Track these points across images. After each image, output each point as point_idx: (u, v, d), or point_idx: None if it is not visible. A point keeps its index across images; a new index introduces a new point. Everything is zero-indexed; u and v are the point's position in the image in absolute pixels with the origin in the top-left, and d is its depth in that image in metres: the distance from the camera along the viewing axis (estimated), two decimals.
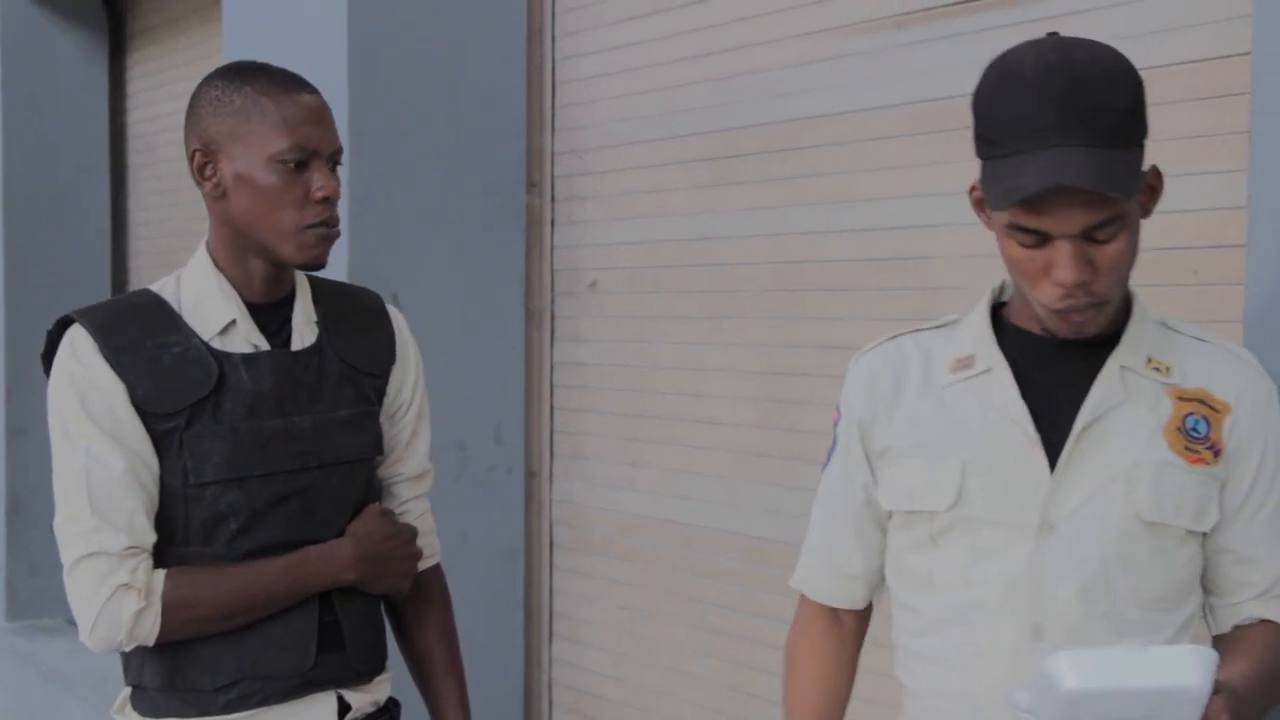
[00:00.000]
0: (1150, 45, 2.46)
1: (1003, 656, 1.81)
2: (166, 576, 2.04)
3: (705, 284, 3.62)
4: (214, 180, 2.09)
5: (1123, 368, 1.82)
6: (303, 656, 2.13)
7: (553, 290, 4.13)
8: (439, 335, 3.62)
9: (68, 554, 2.04)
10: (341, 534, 2.18)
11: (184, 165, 2.17)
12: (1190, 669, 1.55)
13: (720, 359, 3.58)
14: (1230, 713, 1.59)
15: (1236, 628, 1.88)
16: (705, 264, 3.61)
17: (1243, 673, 1.72)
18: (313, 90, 2.11)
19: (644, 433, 3.83)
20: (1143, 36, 2.51)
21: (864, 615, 2.09)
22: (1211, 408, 1.83)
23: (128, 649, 2.09)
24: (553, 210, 4.12)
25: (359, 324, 2.27)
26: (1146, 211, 1.78)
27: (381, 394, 2.28)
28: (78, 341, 2.05)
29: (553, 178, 4.12)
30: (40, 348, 2.12)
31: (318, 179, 2.07)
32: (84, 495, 2.02)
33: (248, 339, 2.12)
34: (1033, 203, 1.67)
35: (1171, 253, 2.51)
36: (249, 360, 2.11)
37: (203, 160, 2.09)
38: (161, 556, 2.06)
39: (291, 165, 2.04)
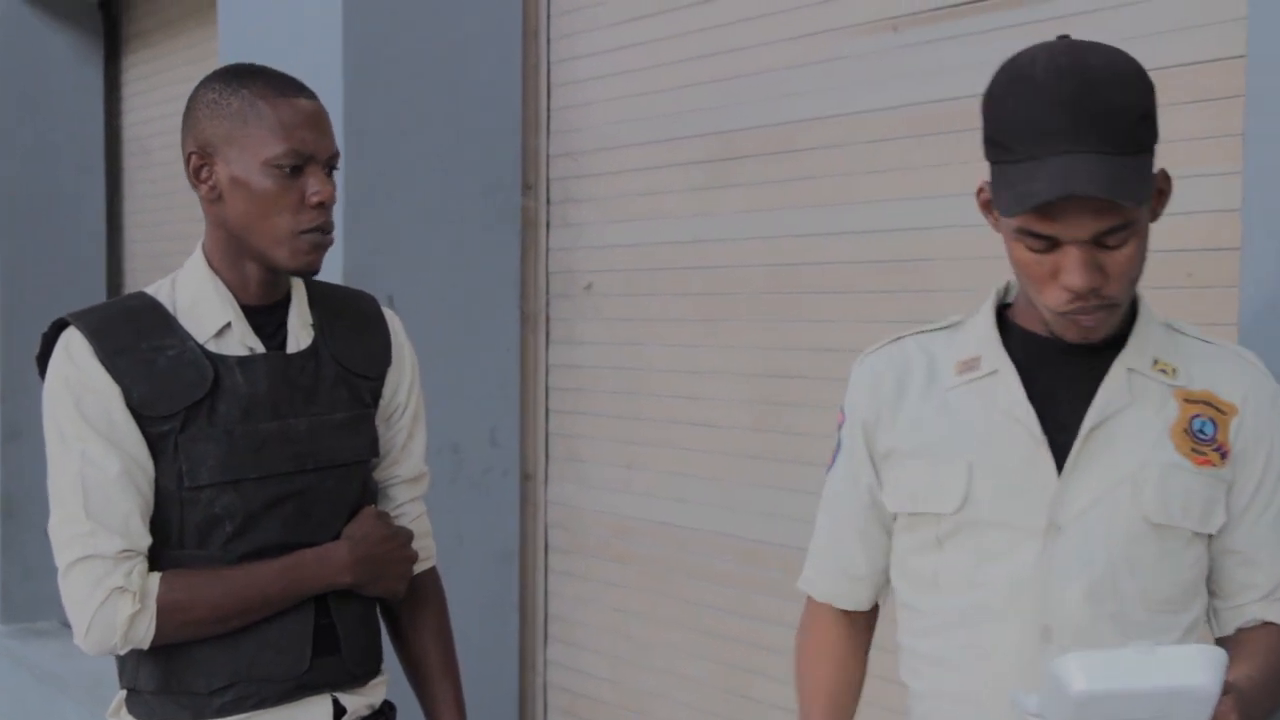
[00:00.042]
0: (1144, 48, 2.45)
1: (1009, 658, 1.81)
2: (162, 579, 2.04)
3: (701, 287, 3.62)
4: (210, 183, 2.09)
5: (1129, 370, 1.82)
6: (298, 659, 2.13)
7: (548, 293, 4.13)
8: (434, 337, 3.62)
9: (62, 557, 2.04)
10: (337, 537, 2.18)
11: (179, 168, 2.17)
12: (1200, 669, 1.54)
13: (716, 362, 3.58)
14: (1239, 713, 1.59)
15: (1240, 630, 1.87)
16: (701, 266, 3.61)
17: (1248, 674, 1.71)
18: (310, 95, 2.11)
19: (639, 435, 3.83)
20: (1136, 39, 2.51)
21: (871, 615, 2.09)
22: (1218, 409, 1.82)
23: (122, 652, 2.08)
24: (548, 213, 4.12)
25: (355, 326, 2.27)
26: (1155, 215, 1.77)
27: (377, 396, 2.28)
28: (73, 344, 2.05)
29: (548, 180, 4.12)
30: (35, 350, 2.11)
31: (313, 184, 2.06)
32: (79, 498, 2.02)
33: (243, 342, 2.12)
34: (1044, 209, 1.66)
35: (1166, 255, 2.51)
36: (244, 363, 2.11)
37: (199, 163, 2.09)
38: (157, 559, 2.06)
39: (287, 170, 2.04)
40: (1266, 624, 1.87)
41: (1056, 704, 1.55)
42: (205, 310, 2.11)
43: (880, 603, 2.08)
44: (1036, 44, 1.76)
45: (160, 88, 6.34)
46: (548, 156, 4.12)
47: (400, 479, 2.34)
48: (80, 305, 2.17)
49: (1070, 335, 1.79)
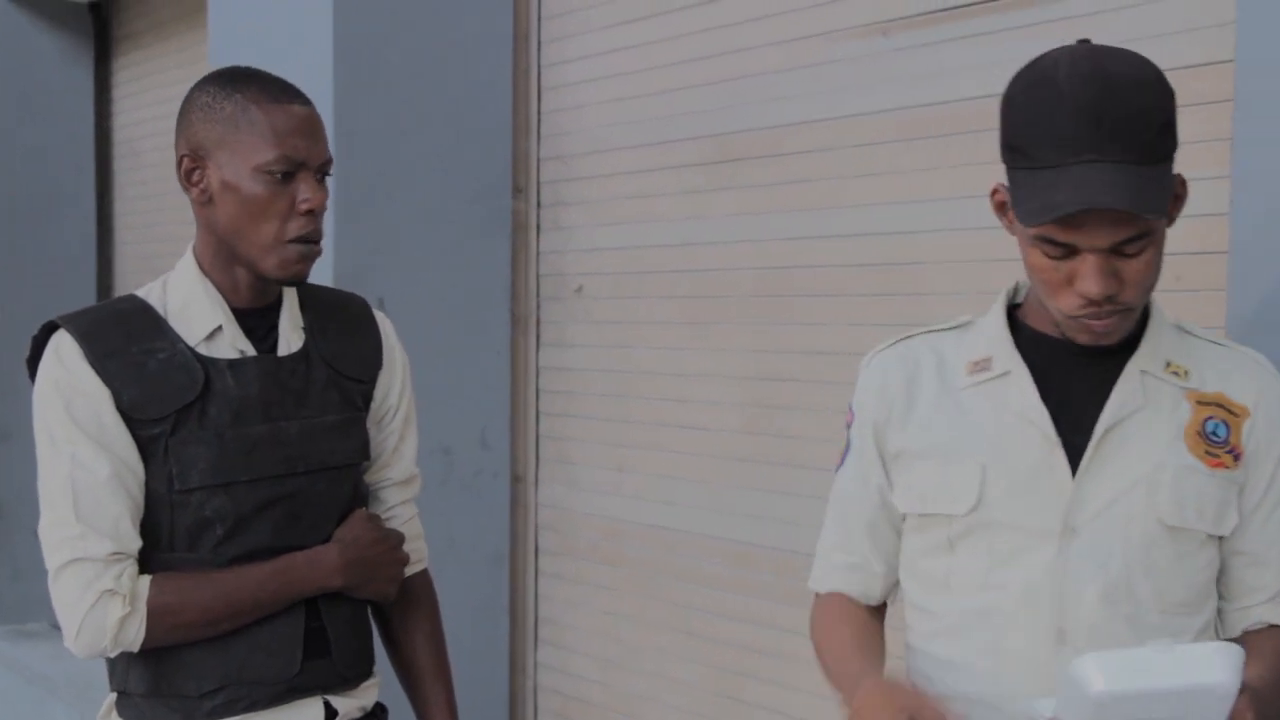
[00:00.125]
0: None
1: (1022, 661, 1.80)
2: (152, 582, 2.04)
3: (691, 289, 3.62)
4: (201, 186, 2.08)
5: (1142, 372, 1.82)
6: (289, 662, 2.13)
7: (538, 295, 4.14)
8: (425, 340, 3.62)
9: (52, 560, 2.04)
10: (328, 539, 2.18)
11: (170, 170, 2.16)
12: (1218, 666, 1.53)
13: (706, 364, 3.58)
14: (1255, 711, 1.59)
15: (1246, 633, 1.87)
16: (691, 269, 3.62)
17: (1260, 674, 1.71)
18: (304, 100, 2.10)
19: (629, 438, 3.83)
20: (1125, 44, 2.51)
21: (880, 610, 2.05)
22: (1230, 412, 1.82)
23: (113, 655, 2.08)
24: (539, 216, 4.13)
25: (346, 329, 2.27)
26: (1171, 220, 1.76)
27: (368, 399, 2.28)
28: (63, 347, 2.05)
29: (539, 183, 4.12)
30: (25, 353, 2.11)
31: (304, 190, 2.06)
32: (69, 501, 2.01)
33: (234, 344, 2.12)
34: (1064, 218, 1.65)
35: None
36: (235, 366, 2.10)
37: (190, 166, 2.08)
38: (147, 562, 2.06)
39: (278, 176, 2.04)
40: (1272, 627, 1.87)
41: (1075, 705, 1.54)
42: (196, 313, 2.11)
43: (889, 604, 2.05)
44: (1057, 48, 1.75)
45: (150, 90, 6.34)
46: (538, 160, 4.12)
47: (391, 481, 2.34)
48: (70, 308, 2.16)
49: (1082, 339, 1.79)
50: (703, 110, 3.56)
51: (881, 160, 3.10)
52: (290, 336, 2.18)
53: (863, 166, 3.15)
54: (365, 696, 2.26)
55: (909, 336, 1.98)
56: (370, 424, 2.28)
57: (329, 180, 2.13)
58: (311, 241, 2.08)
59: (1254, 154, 2.19)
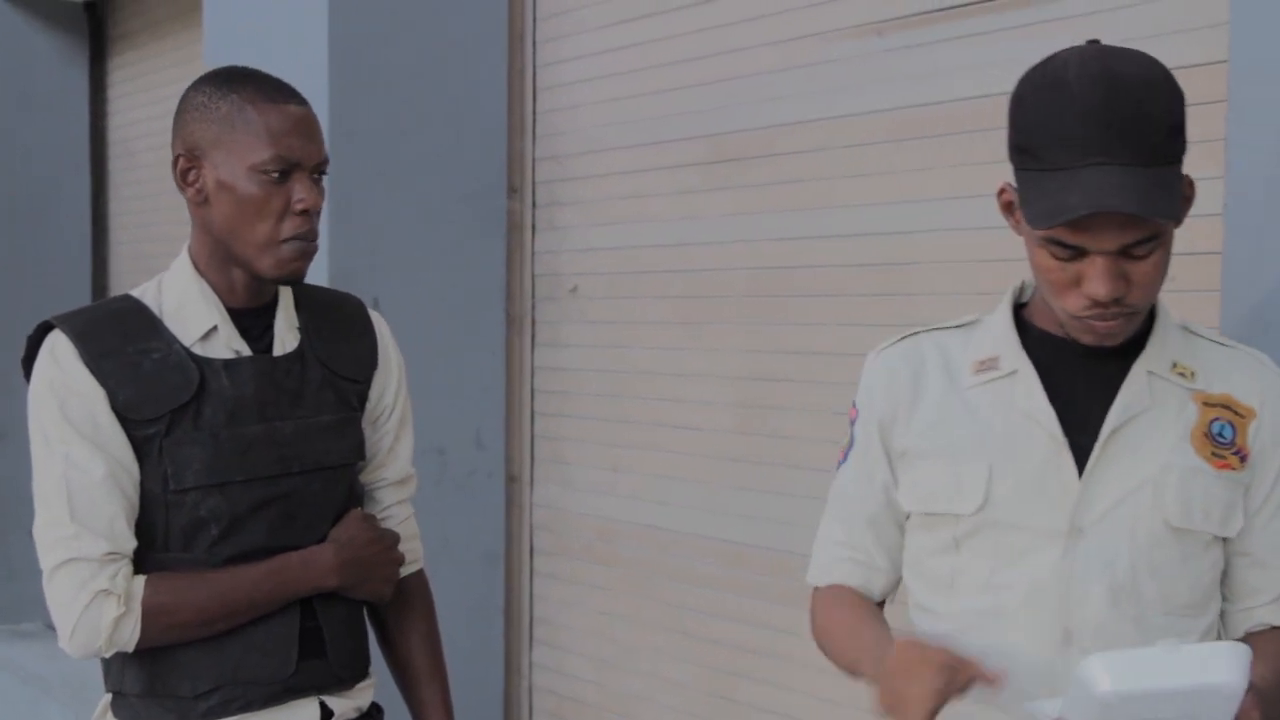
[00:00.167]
0: None
1: (1027, 661, 1.79)
2: (147, 582, 2.04)
3: (685, 289, 3.63)
4: (196, 186, 2.08)
5: (1149, 373, 1.82)
6: (284, 662, 2.13)
7: (533, 295, 4.14)
8: (420, 340, 3.61)
9: (47, 560, 2.04)
10: (323, 540, 2.18)
11: (165, 170, 2.16)
12: (1225, 666, 1.53)
13: (700, 364, 3.59)
14: (1261, 711, 1.58)
15: (1248, 634, 1.87)
16: (686, 269, 3.62)
17: (1263, 675, 1.70)
18: (300, 100, 2.10)
19: (624, 438, 3.83)
20: (1120, 44, 2.52)
21: (879, 606, 2.03)
22: (1237, 413, 1.82)
23: (107, 655, 2.08)
24: (534, 216, 4.13)
25: (341, 329, 2.27)
26: (1179, 221, 1.75)
27: (364, 399, 2.28)
28: (58, 347, 2.05)
29: (534, 183, 4.12)
30: (20, 353, 2.11)
31: (299, 190, 2.06)
32: (63, 501, 2.01)
33: (229, 344, 2.12)
34: (1073, 220, 1.65)
35: None
36: (230, 366, 2.10)
37: (186, 166, 2.08)
38: (142, 562, 2.06)
39: (274, 175, 2.04)
40: (1275, 628, 1.87)
41: (1081, 706, 1.54)
42: (191, 313, 2.11)
43: (888, 602, 2.04)
44: (1067, 48, 1.75)
45: (146, 90, 6.34)
46: (533, 160, 4.12)
47: (387, 481, 2.34)
48: (65, 307, 2.17)
49: (1086, 339, 1.78)
50: (697, 110, 3.56)
51: (876, 160, 3.10)
52: (285, 336, 2.18)
53: (857, 167, 3.15)
54: (361, 697, 2.26)
55: (915, 333, 1.97)
56: (365, 424, 2.28)
57: (325, 180, 2.13)
58: (307, 241, 2.08)
59: (1247, 155, 2.19)
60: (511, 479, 4.19)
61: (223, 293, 2.13)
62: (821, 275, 3.24)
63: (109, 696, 2.17)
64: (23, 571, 5.96)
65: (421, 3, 3.97)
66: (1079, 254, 1.69)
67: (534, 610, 4.18)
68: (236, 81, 2.08)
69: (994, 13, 2.84)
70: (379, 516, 2.30)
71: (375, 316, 2.35)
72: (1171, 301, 2.48)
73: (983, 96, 2.84)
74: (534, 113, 4.11)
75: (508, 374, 4.17)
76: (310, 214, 2.07)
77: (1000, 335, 1.89)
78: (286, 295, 2.21)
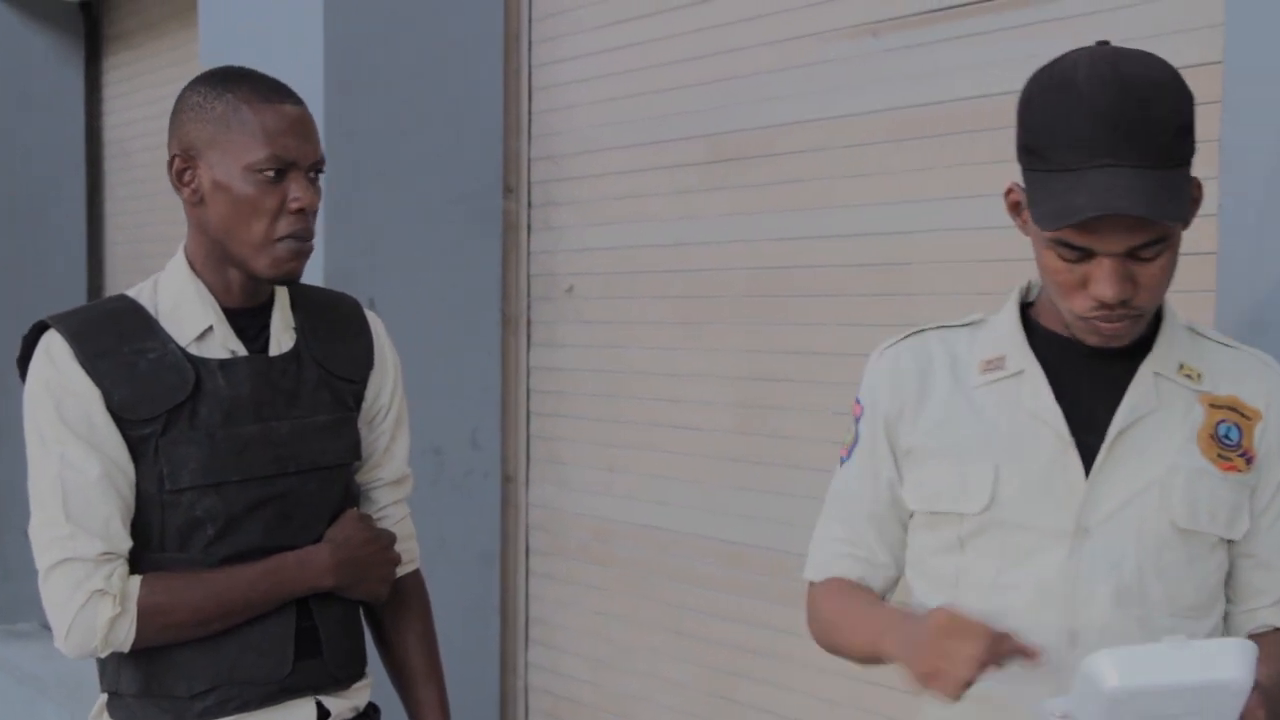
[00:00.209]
0: None
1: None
2: (142, 582, 2.04)
3: (682, 289, 3.63)
4: (192, 186, 2.08)
5: (1156, 374, 1.82)
6: (280, 662, 2.13)
7: (529, 295, 4.14)
8: (416, 340, 3.62)
9: (42, 560, 2.03)
10: (319, 539, 2.18)
11: (161, 169, 2.16)
12: (1233, 662, 1.52)
13: (698, 364, 3.59)
14: (1266, 710, 1.58)
15: (1251, 636, 1.85)
16: (683, 269, 3.62)
17: (1268, 675, 1.69)
18: (296, 100, 2.10)
19: (620, 438, 3.83)
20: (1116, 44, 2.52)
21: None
22: (1243, 415, 1.82)
23: (103, 655, 2.07)
24: (529, 216, 4.13)
25: (337, 329, 2.27)
26: (1187, 223, 1.75)
27: (360, 399, 2.28)
28: (53, 347, 2.04)
29: (529, 183, 4.12)
30: (16, 353, 2.11)
31: (295, 190, 2.06)
32: (59, 501, 2.01)
33: (225, 344, 2.12)
34: (1081, 222, 1.65)
35: None
36: (226, 366, 2.10)
37: (182, 166, 2.08)
38: (138, 562, 2.06)
39: (270, 175, 2.04)
40: (1278, 630, 1.87)
41: (1089, 703, 1.53)
42: (187, 313, 2.11)
43: (887, 599, 2.02)
44: (1076, 49, 1.74)
45: (141, 89, 6.33)
46: (529, 160, 4.12)
47: (383, 482, 2.34)
48: (61, 307, 2.16)
49: (1091, 340, 1.78)
50: (694, 110, 3.56)
51: (875, 160, 3.10)
52: (281, 336, 2.18)
53: (856, 167, 3.15)
54: (358, 697, 2.26)
55: (921, 330, 1.96)
56: (362, 424, 2.28)
57: (321, 180, 2.13)
58: (302, 240, 2.08)
59: (1242, 156, 2.19)
60: (507, 479, 4.19)
61: (218, 293, 2.13)
62: (820, 275, 3.24)
63: (105, 697, 2.17)
64: (18, 571, 5.96)
65: (417, 3, 3.97)
66: (1086, 255, 1.69)
67: (530, 610, 4.18)
68: (232, 81, 2.08)
69: (992, 13, 2.84)
70: (375, 516, 2.30)
71: (371, 316, 2.35)
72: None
73: (981, 96, 2.85)
74: (529, 113, 4.11)
75: (503, 374, 4.17)
76: (306, 213, 2.07)
77: (1006, 335, 1.89)
78: (282, 295, 2.21)
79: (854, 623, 1.90)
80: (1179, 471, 1.79)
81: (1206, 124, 2.35)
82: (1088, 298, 1.71)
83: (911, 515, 1.94)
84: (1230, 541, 1.84)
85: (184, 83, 2.15)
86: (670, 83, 3.63)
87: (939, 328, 1.96)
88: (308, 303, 2.25)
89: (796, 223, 3.29)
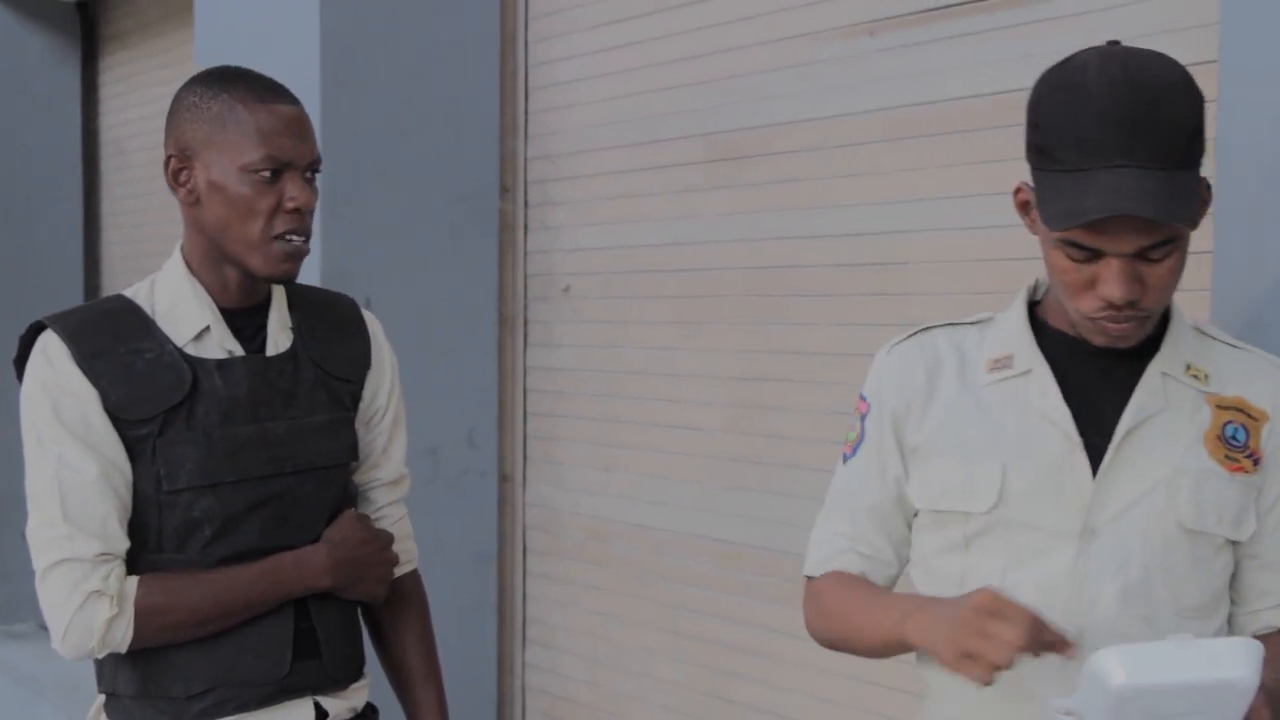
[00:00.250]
0: None
1: (1038, 662, 1.79)
2: (140, 583, 2.04)
3: (679, 289, 3.63)
4: (188, 186, 2.08)
5: (1163, 374, 1.81)
6: (278, 663, 2.13)
7: (526, 295, 4.14)
8: (412, 340, 3.61)
9: (40, 560, 2.03)
10: (317, 540, 2.18)
11: (157, 169, 2.16)
12: (1240, 661, 1.52)
13: (694, 364, 3.59)
14: (1271, 710, 1.58)
15: (1254, 637, 1.82)
16: (679, 269, 3.62)
17: (1271, 675, 1.68)
18: (292, 100, 2.10)
19: (617, 438, 3.83)
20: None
21: None
22: (1250, 416, 1.82)
23: (100, 656, 2.07)
24: (526, 215, 4.13)
25: (334, 329, 2.27)
26: (1195, 224, 1.73)
27: (357, 399, 2.28)
28: (50, 347, 2.04)
29: (526, 183, 4.12)
30: (12, 353, 2.11)
31: (291, 190, 2.06)
32: (56, 501, 2.01)
33: (222, 345, 2.12)
34: (1091, 224, 1.65)
35: None
36: (223, 366, 2.10)
37: (178, 166, 2.08)
38: (135, 563, 2.06)
39: (265, 175, 2.04)
40: (1279, 631, 1.86)
41: (1095, 701, 1.52)
42: (184, 313, 2.11)
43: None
44: (1086, 49, 1.74)
45: (137, 89, 6.33)
46: (526, 159, 4.12)
47: (381, 482, 2.34)
48: (57, 307, 2.16)
49: (1098, 340, 1.78)
50: (690, 110, 3.56)
51: (870, 160, 3.11)
52: (278, 336, 2.18)
53: (851, 166, 3.15)
54: (356, 697, 2.26)
55: (929, 328, 1.95)
56: (359, 424, 2.28)
57: (317, 179, 2.13)
58: (299, 239, 2.08)
59: (1238, 155, 2.20)
60: (504, 479, 4.19)
61: (215, 293, 2.13)
62: (816, 275, 3.24)
63: (102, 698, 2.17)
64: (15, 572, 5.93)
65: (413, 2, 3.97)
66: (1095, 256, 1.69)
67: (527, 610, 4.18)
68: (228, 81, 2.08)
69: (986, 13, 2.84)
70: (372, 517, 2.30)
71: (368, 316, 2.35)
72: None
73: (976, 96, 2.85)
74: (526, 112, 4.11)
75: (500, 374, 4.17)
76: (302, 213, 2.07)
77: (1014, 334, 1.88)
78: (280, 295, 2.21)
79: (867, 610, 1.88)
80: (1186, 472, 1.78)
81: None
82: (1096, 298, 1.71)
83: (916, 514, 1.93)
84: (1235, 543, 1.84)
85: (180, 83, 2.15)
86: (666, 82, 3.63)
87: (947, 325, 1.95)
88: (305, 303, 2.25)
89: (793, 222, 3.29)
